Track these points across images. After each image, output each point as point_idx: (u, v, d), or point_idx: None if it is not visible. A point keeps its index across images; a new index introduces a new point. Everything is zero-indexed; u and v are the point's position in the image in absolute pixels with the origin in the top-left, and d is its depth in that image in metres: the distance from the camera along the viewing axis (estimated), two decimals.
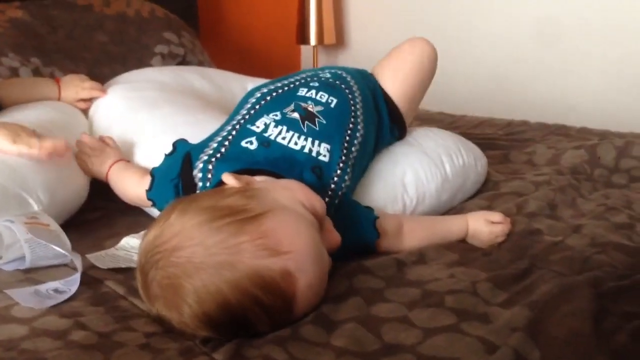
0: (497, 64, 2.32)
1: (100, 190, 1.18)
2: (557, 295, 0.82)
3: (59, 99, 1.34)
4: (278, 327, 0.75)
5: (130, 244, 1.01)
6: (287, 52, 2.87)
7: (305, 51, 2.93)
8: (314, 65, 2.74)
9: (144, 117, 1.22)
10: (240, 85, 1.51)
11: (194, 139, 1.04)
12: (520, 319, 0.77)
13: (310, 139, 1.00)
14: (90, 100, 1.34)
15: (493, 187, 1.27)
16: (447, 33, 2.41)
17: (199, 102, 1.31)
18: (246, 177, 0.87)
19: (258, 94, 1.13)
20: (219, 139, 1.02)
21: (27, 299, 0.83)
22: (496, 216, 1.05)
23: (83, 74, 1.49)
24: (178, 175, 0.98)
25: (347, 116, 1.08)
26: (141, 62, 1.83)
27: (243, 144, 0.99)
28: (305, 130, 1.01)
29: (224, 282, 0.71)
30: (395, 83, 1.23)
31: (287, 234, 0.76)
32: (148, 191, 1.02)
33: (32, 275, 0.92)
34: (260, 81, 1.55)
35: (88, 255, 0.97)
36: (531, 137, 1.59)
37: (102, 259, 0.96)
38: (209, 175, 0.95)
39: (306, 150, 0.99)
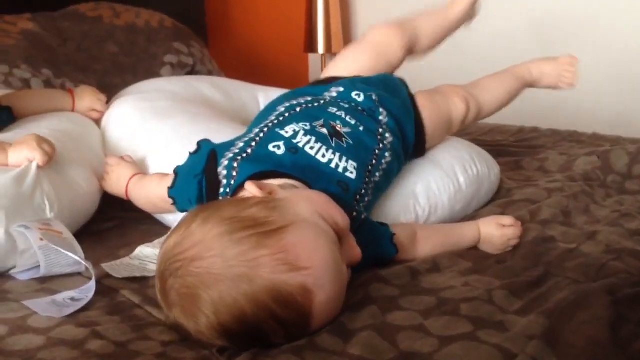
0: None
1: (114, 200, 1.19)
2: (573, 303, 0.81)
3: (72, 110, 1.34)
4: (294, 339, 0.75)
5: (145, 253, 1.01)
6: (295, 60, 2.88)
7: (313, 59, 2.94)
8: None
9: (156, 126, 1.22)
10: (250, 94, 1.51)
11: None
12: (536, 326, 0.76)
13: (338, 154, 0.99)
14: (103, 111, 1.35)
15: (506, 195, 1.27)
16: (454, 38, 2.41)
17: (210, 111, 1.31)
18: (269, 186, 0.86)
19: (287, 104, 1.12)
20: (246, 139, 1.01)
21: (45, 308, 0.83)
22: (507, 219, 1.05)
23: (93, 85, 1.50)
24: (202, 171, 0.97)
25: (374, 143, 1.07)
26: (151, 72, 1.84)
27: (270, 147, 0.98)
28: (333, 145, 1.01)
29: (241, 295, 0.71)
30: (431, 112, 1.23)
31: (306, 249, 0.75)
32: (170, 188, 1.01)
33: (47, 285, 0.93)
34: (270, 90, 1.56)
35: (103, 265, 0.97)
36: (543, 143, 1.59)
37: (116, 268, 0.97)
38: (234, 174, 0.94)
39: (333, 164, 0.98)
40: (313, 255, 0.75)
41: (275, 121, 1.06)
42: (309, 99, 1.14)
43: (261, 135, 1.02)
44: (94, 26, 1.93)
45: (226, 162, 0.96)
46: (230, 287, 0.72)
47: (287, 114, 1.08)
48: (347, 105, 1.11)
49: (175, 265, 0.74)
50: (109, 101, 1.38)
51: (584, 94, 2.13)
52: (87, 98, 1.35)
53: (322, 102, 1.13)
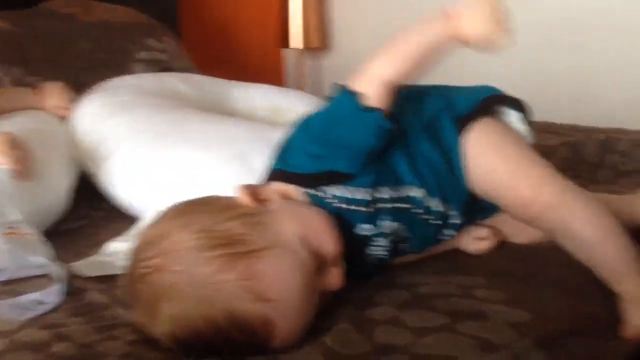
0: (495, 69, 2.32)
1: (82, 198, 1.17)
2: (558, 295, 0.82)
3: (40, 108, 1.33)
4: (253, 355, 0.72)
5: (115, 249, 0.99)
6: (271, 56, 2.87)
7: (289, 55, 2.93)
8: (299, 70, 2.74)
9: (121, 120, 1.21)
10: (224, 89, 1.50)
11: (172, 135, 1.03)
12: (519, 315, 0.76)
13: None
14: (70, 108, 1.33)
15: None
16: None
17: (178, 102, 1.29)
18: (266, 193, 0.82)
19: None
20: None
21: (6, 311, 0.81)
22: (483, 232, 0.99)
23: (66, 82, 1.48)
24: None
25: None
26: (124, 68, 1.82)
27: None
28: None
29: (199, 316, 0.69)
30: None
31: (277, 279, 0.72)
32: None
33: (13, 286, 0.90)
34: (245, 86, 1.54)
35: (72, 264, 0.95)
36: None
37: (85, 267, 0.94)
38: None
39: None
40: (282, 287, 0.71)
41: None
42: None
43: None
44: (66, 23, 1.90)
45: None
46: (191, 306, 0.69)
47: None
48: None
49: (142, 270, 0.72)
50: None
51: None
52: (55, 96, 1.33)
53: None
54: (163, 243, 0.73)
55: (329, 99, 0.92)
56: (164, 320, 0.70)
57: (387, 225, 0.87)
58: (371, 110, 0.84)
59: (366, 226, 0.86)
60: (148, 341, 0.74)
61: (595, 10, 2.08)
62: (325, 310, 0.80)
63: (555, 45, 2.17)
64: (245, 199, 0.79)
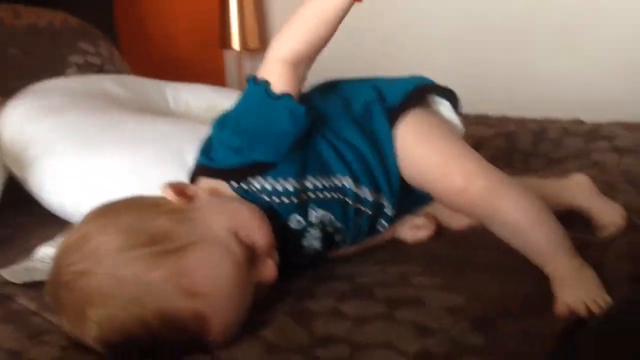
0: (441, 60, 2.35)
1: (12, 205, 1.13)
2: (492, 278, 0.83)
3: None
4: (189, 353, 0.71)
5: (46, 253, 0.95)
6: (210, 57, 2.84)
7: (229, 55, 2.91)
8: (238, 71, 2.72)
9: (50, 123, 1.17)
10: (157, 89, 1.47)
11: (104, 136, 1.00)
12: (455, 300, 0.77)
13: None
14: None
15: None
16: (374, 34, 2.44)
17: (110, 104, 1.26)
18: (192, 190, 0.81)
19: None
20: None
21: None
22: (420, 220, 1.00)
23: None
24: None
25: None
26: (56, 73, 1.75)
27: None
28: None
29: (129, 318, 0.67)
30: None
31: (206, 273, 0.70)
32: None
33: None
34: (179, 86, 1.52)
35: (0, 271, 0.92)
36: None
37: (15, 273, 0.91)
38: None
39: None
40: (212, 281, 0.70)
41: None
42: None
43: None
44: None
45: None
46: (119, 308, 0.67)
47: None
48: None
49: (65, 277, 0.69)
50: None
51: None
52: None
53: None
54: (85, 246, 0.70)
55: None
56: (92, 327, 0.68)
57: (318, 215, 0.87)
58: (278, 96, 0.84)
59: (297, 217, 0.86)
60: (80, 345, 0.72)
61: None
62: (263, 303, 0.79)
63: (494, 41, 2.22)
64: (171, 196, 0.77)
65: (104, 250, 0.69)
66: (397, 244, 0.99)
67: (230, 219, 0.77)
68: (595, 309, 0.75)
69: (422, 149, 0.90)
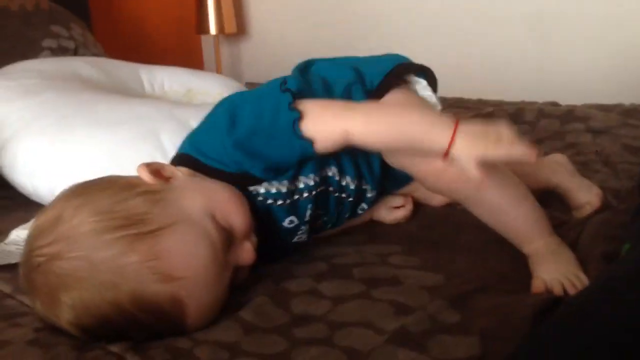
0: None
1: None
2: (469, 257, 0.84)
3: None
4: (167, 336, 0.70)
5: (22, 237, 0.94)
6: (187, 42, 2.81)
7: (206, 41, 2.88)
8: (215, 56, 2.70)
9: (23, 104, 1.14)
10: (132, 72, 1.45)
11: (78, 117, 0.98)
12: (432, 278, 0.78)
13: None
14: None
15: None
16: (353, 18, 2.43)
17: (83, 86, 1.24)
18: (169, 170, 0.78)
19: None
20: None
21: None
22: (397, 200, 1.00)
23: None
24: None
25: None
26: (29, 57, 1.72)
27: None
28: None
29: (104, 302, 0.66)
30: None
31: (182, 256, 0.69)
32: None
33: None
34: (154, 68, 1.50)
35: None
36: None
37: None
38: None
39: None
40: (188, 264, 0.69)
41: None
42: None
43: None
44: None
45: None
46: (94, 292, 0.66)
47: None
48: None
49: (37, 259, 0.67)
50: None
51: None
52: None
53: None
54: (58, 228, 0.68)
55: (270, 91, 0.85)
56: (66, 310, 0.67)
57: (308, 213, 0.87)
58: (302, 137, 0.79)
59: (291, 218, 0.85)
60: (55, 328, 0.71)
61: None
62: (242, 284, 0.79)
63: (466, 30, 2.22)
64: (146, 177, 0.76)
65: (78, 232, 0.67)
66: (375, 225, 1.00)
67: (207, 200, 0.75)
68: (570, 288, 0.75)
69: None
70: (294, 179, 0.84)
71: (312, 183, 0.85)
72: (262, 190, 0.82)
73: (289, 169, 0.83)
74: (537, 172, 1.05)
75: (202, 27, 2.61)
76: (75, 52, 1.85)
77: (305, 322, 0.72)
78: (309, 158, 0.82)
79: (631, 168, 1.15)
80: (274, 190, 0.83)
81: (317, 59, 0.99)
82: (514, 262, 0.83)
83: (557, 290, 0.75)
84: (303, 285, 0.80)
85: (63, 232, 0.68)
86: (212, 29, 2.59)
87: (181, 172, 0.80)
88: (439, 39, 2.27)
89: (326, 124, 0.80)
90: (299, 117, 0.79)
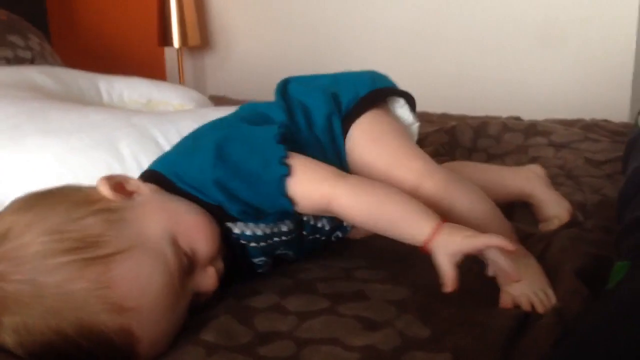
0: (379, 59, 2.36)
1: None
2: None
3: None
4: None
5: None
6: (150, 55, 2.77)
7: (169, 53, 2.84)
8: (179, 70, 2.66)
9: None
10: (90, 81, 1.41)
11: (29, 126, 0.96)
12: (399, 292, 0.76)
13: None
14: None
15: None
16: (319, 31, 2.43)
17: (36, 94, 1.20)
18: (134, 185, 0.74)
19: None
20: None
21: None
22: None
23: None
24: None
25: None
26: None
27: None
28: None
29: (48, 329, 0.61)
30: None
31: (135, 285, 0.64)
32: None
33: None
34: (113, 79, 1.46)
35: None
36: None
37: None
38: None
39: None
40: (141, 293, 0.64)
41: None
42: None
43: None
44: None
45: None
46: (37, 319, 0.61)
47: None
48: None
49: None
50: None
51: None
52: None
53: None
54: (5, 245, 0.64)
55: (265, 136, 0.80)
56: (8, 334, 0.63)
57: (280, 253, 0.85)
58: (286, 194, 0.76)
59: (262, 258, 0.84)
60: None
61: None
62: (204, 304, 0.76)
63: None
64: (106, 192, 0.71)
65: (25, 253, 0.63)
66: (341, 241, 0.98)
67: (171, 223, 0.71)
68: (538, 306, 0.74)
69: (371, 151, 0.89)
70: (270, 224, 0.81)
71: (286, 229, 0.83)
72: (236, 230, 0.79)
73: (267, 215, 0.80)
74: (512, 179, 1.06)
75: (165, 39, 2.57)
76: (32, 63, 1.81)
77: (270, 339, 0.70)
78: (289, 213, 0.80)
79: (595, 182, 1.16)
80: (248, 232, 0.80)
81: (292, 79, 0.97)
82: (481, 274, 0.82)
83: (525, 306, 0.75)
84: (267, 301, 0.77)
85: (9, 251, 0.63)
86: (175, 41, 2.56)
87: (146, 187, 0.75)
88: (403, 53, 2.28)
89: (312, 187, 0.77)
90: (287, 173, 0.76)
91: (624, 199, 0.85)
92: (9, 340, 0.63)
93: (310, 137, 0.88)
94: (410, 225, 0.73)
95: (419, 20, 2.24)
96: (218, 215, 0.77)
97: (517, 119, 1.58)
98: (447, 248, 0.69)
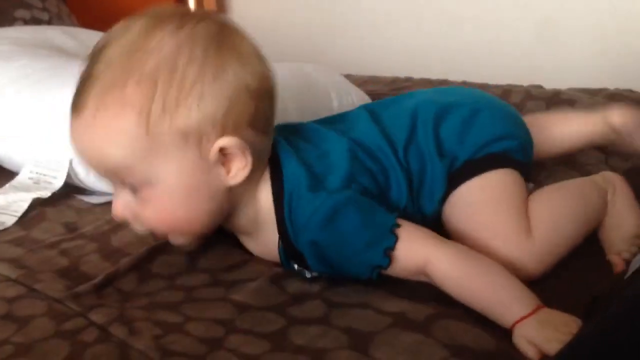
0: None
1: None
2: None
3: None
4: None
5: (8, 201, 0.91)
6: None
7: None
8: None
9: None
10: None
11: (54, 80, 0.97)
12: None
13: None
14: None
15: None
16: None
17: (57, 52, 1.19)
18: (243, 161, 0.70)
19: None
20: None
21: None
22: None
23: None
24: None
25: None
26: (1, 27, 1.67)
27: None
28: None
29: None
30: None
31: None
32: None
33: None
34: None
35: None
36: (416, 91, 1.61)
37: None
38: None
39: None
40: None
41: None
42: None
43: None
44: None
45: None
46: None
47: None
48: None
49: None
50: None
51: None
52: None
53: None
54: None
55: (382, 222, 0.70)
56: None
57: None
58: (389, 259, 0.69)
59: None
60: (31, 292, 0.70)
61: None
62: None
63: None
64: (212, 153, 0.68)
65: None
66: None
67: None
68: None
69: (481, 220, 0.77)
70: None
71: None
72: None
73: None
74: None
75: (181, 1, 2.55)
76: (49, 23, 1.80)
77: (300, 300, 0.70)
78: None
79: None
80: None
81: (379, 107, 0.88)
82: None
83: None
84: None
85: None
86: (191, 2, 2.53)
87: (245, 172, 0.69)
88: (422, 26, 2.24)
89: (414, 248, 0.69)
90: (394, 242, 0.69)
91: None
92: None
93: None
94: (502, 308, 0.65)
95: None
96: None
97: (539, 87, 1.56)
98: (528, 337, 0.62)
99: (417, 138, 0.80)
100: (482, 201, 0.78)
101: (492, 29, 2.13)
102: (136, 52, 0.65)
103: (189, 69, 0.65)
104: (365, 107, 0.89)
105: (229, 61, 0.67)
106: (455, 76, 1.77)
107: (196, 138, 0.65)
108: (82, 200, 0.96)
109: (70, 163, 0.96)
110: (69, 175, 0.96)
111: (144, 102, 0.64)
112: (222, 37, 0.68)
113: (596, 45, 1.96)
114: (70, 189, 0.97)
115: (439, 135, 0.80)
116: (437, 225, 0.78)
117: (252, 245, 0.79)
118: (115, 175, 0.67)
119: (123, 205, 0.69)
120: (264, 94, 0.70)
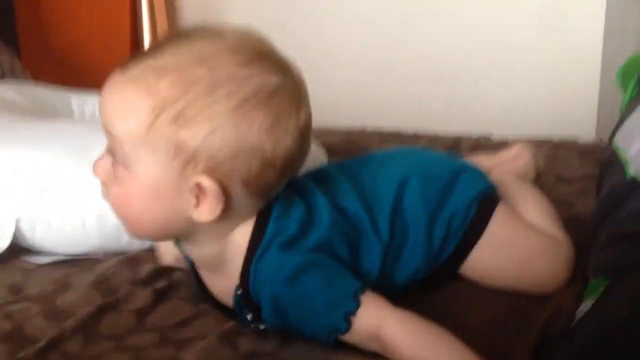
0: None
1: None
2: None
3: None
4: None
5: None
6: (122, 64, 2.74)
7: None
8: None
9: None
10: (61, 98, 1.38)
11: None
12: None
13: None
14: None
15: None
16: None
17: (4, 110, 1.17)
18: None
19: None
20: None
21: None
22: None
23: None
24: None
25: None
26: None
27: None
28: None
29: None
30: None
31: None
32: None
33: None
34: (85, 94, 1.43)
35: None
36: (368, 144, 1.63)
37: None
38: None
39: None
40: None
41: None
42: None
43: None
44: None
45: None
46: None
47: None
48: None
49: None
50: None
51: None
52: None
53: None
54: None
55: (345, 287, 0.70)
56: None
57: None
58: (346, 322, 0.68)
59: None
60: None
61: None
62: None
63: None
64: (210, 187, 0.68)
65: None
66: None
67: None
68: None
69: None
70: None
71: None
72: None
73: None
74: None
75: (138, 48, 2.57)
76: (1, 79, 1.78)
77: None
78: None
79: (566, 197, 1.18)
80: None
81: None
82: None
83: None
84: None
85: None
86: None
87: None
88: (372, 71, 2.29)
89: (373, 313, 0.69)
90: (356, 308, 0.68)
91: (600, 216, 0.87)
92: None
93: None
94: None
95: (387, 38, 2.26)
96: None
97: (488, 138, 1.60)
98: None
99: (403, 208, 0.80)
100: (510, 235, 0.85)
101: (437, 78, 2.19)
102: (202, 61, 0.66)
103: (224, 101, 0.65)
104: (341, 167, 0.87)
105: (262, 119, 0.67)
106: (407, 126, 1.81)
107: (185, 159, 0.66)
108: (28, 262, 0.94)
109: (16, 223, 0.94)
110: (15, 236, 0.94)
111: (165, 102, 0.65)
112: (276, 96, 0.68)
113: None
114: (17, 250, 0.95)
115: (431, 207, 0.81)
116: (405, 294, 0.78)
117: (211, 281, 0.78)
118: (111, 138, 0.69)
119: (103, 167, 0.71)
120: (276, 164, 0.68)
